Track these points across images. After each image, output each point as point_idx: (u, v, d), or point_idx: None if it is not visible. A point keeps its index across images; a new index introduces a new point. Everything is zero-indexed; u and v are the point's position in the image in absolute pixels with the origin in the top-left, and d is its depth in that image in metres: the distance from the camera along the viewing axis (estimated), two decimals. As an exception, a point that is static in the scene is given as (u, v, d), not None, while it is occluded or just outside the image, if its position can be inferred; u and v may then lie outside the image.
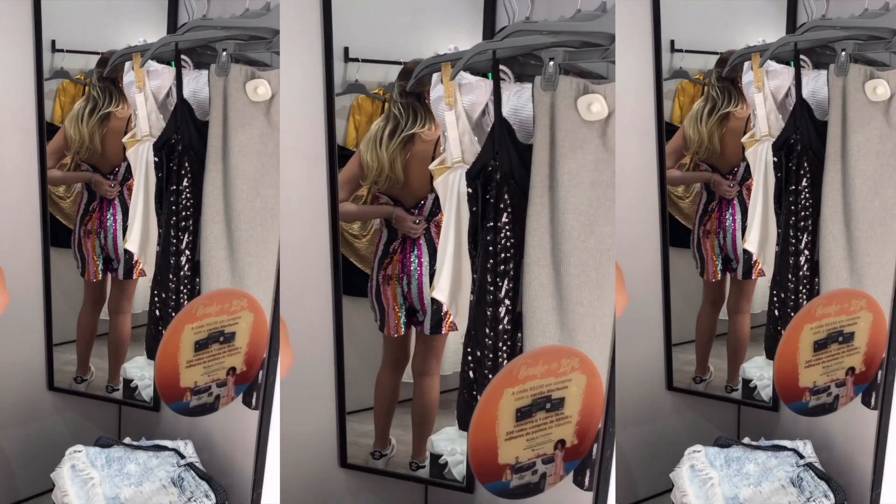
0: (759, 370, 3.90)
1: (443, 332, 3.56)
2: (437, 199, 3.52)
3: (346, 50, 3.45)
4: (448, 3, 3.54)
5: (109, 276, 3.99)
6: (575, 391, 3.11)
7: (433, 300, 3.52)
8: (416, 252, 3.54)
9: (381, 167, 3.49)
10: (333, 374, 3.64)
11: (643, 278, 3.93)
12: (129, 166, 3.87)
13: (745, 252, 3.89)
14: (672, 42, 3.75)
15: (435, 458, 3.58)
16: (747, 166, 3.86)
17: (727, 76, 3.80)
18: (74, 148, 3.87)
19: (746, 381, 3.92)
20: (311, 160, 3.54)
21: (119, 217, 3.92)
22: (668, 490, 3.78)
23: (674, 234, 3.96)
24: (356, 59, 3.48)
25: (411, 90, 3.43)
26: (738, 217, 3.89)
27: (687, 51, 3.79)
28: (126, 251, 3.91)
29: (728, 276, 3.96)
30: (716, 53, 3.81)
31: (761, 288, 3.95)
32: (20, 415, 4.03)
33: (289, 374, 3.62)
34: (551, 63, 3.12)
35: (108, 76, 3.80)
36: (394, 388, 3.64)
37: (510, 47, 3.20)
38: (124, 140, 3.84)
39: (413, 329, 3.60)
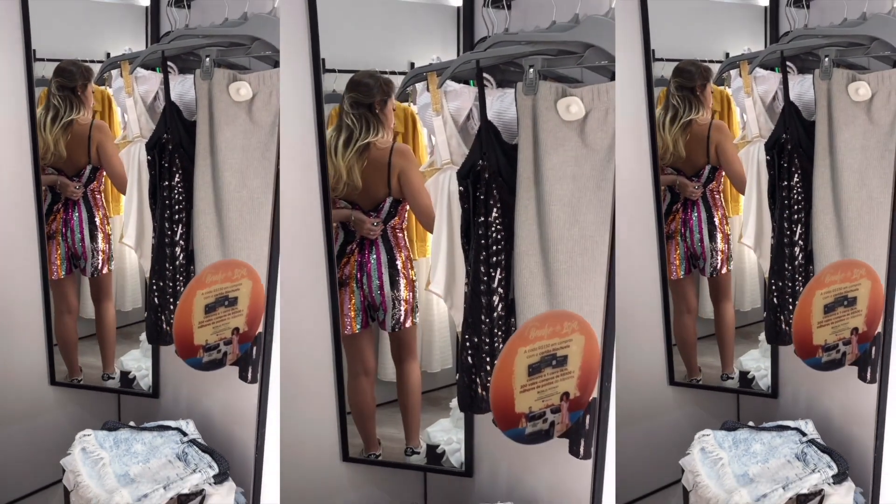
0: (755, 362, 4.22)
1: (403, 328, 3.84)
2: (394, 201, 3.79)
3: (323, 61, 3.75)
4: (420, 15, 3.83)
5: (76, 277, 4.25)
6: (576, 349, 3.51)
7: (393, 298, 3.82)
8: (374, 253, 3.82)
9: (338, 175, 3.77)
10: (333, 372, 3.90)
11: (642, 278, 4.20)
12: (93, 169, 4.17)
13: (712, 250, 4.20)
14: (653, 51, 4.04)
15: (432, 448, 3.88)
16: (712, 168, 4.16)
17: (687, 85, 4.09)
18: (39, 154, 4.15)
19: (744, 374, 4.22)
20: (303, 168, 3.80)
21: (84, 217, 4.21)
22: (674, 482, 4.05)
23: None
24: (333, 70, 3.77)
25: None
26: (704, 217, 4.19)
27: (667, 59, 4.08)
28: (93, 250, 4.21)
29: (691, 276, 4.23)
30: (704, 61, 4.11)
31: (749, 286, 4.24)
32: (24, 410, 4.27)
33: (290, 375, 3.90)
34: (531, 70, 3.44)
35: (67, 85, 4.10)
36: (368, 395, 3.91)
37: (493, 56, 3.53)
38: (116, 141, 4.15)
39: (369, 330, 3.87)
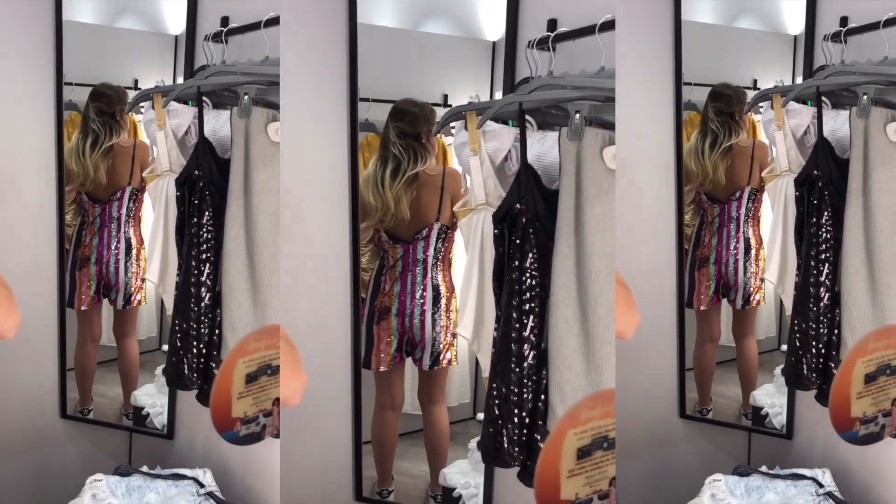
0: (769, 398, 4.28)
1: (441, 367, 3.93)
2: (442, 228, 3.89)
3: (357, 90, 3.89)
4: (454, 48, 3.96)
5: (102, 305, 4.35)
6: (629, 430, 3.54)
7: (434, 335, 3.90)
8: (420, 288, 3.92)
9: (385, 207, 3.88)
10: (350, 406, 4.00)
11: (659, 306, 4.31)
12: (133, 191, 4.26)
13: (745, 280, 4.27)
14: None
15: (448, 491, 3.96)
16: (752, 191, 4.25)
17: (725, 110, 4.20)
18: (79, 181, 4.27)
19: (757, 409, 4.29)
20: (333, 201, 3.92)
21: (122, 246, 4.31)
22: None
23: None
24: (367, 99, 3.90)
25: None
26: (742, 246, 4.28)
27: (696, 84, 4.21)
28: (126, 279, 4.30)
29: (718, 306, 4.32)
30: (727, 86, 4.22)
31: (765, 313, 4.31)
32: (33, 442, 4.34)
33: (305, 407, 3.88)
34: (577, 115, 3.53)
35: (106, 110, 4.20)
36: (391, 430, 4.00)
37: (538, 100, 3.61)
38: (144, 174, 4.23)
39: (402, 366, 3.95)
